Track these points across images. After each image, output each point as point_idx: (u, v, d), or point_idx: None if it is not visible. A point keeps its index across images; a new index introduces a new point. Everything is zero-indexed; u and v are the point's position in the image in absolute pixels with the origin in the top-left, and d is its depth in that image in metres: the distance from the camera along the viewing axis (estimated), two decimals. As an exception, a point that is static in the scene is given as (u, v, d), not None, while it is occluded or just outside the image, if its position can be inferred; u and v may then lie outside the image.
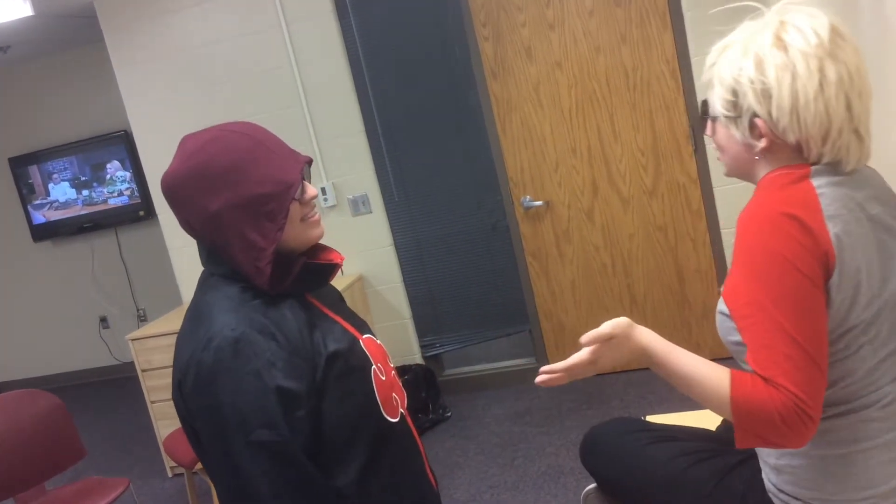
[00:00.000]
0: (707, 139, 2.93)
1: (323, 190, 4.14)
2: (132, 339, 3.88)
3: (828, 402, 1.30)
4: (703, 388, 1.29)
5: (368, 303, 4.26)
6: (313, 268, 1.48)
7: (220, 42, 4.13)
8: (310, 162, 1.49)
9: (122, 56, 4.27)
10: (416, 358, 4.30)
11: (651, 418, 2.14)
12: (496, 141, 4.00)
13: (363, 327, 1.59)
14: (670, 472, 1.70)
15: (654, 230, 3.91)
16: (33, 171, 5.88)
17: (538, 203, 4.00)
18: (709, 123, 1.46)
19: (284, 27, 4.03)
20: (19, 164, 5.89)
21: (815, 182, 1.30)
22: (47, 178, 5.89)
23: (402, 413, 1.55)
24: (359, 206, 4.16)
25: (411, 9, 3.99)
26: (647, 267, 3.96)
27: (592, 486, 2.01)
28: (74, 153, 5.78)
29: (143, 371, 3.87)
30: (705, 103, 1.46)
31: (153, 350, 3.83)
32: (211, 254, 1.44)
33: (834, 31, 1.29)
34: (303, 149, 4.11)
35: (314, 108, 4.10)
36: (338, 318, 1.53)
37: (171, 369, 1.44)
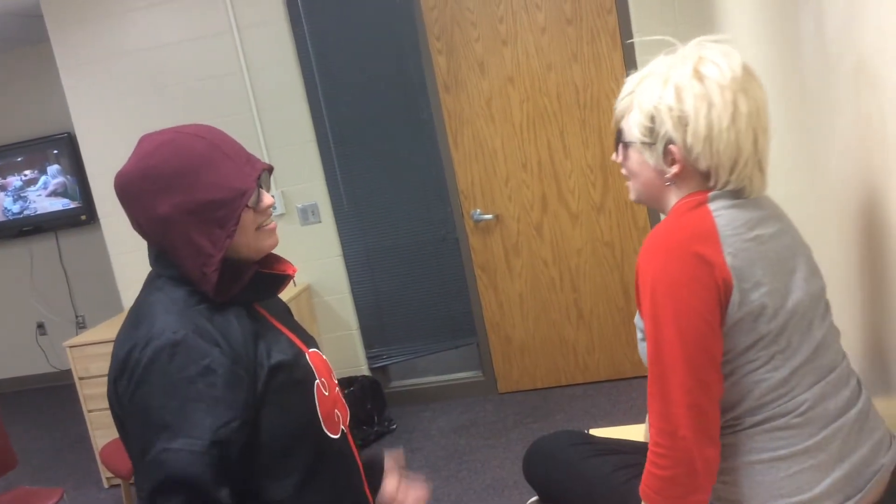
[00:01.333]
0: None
1: (272, 198, 4.09)
2: (70, 347, 3.78)
3: (745, 412, 1.38)
4: None
5: (315, 313, 4.23)
6: (264, 277, 1.46)
7: (170, 45, 4.07)
8: (270, 169, 1.47)
9: (67, 57, 4.17)
10: (363, 369, 4.28)
11: (594, 432, 2.16)
12: (447, 154, 4.01)
13: (310, 341, 1.57)
14: (611, 485, 1.71)
15: (602, 246, 3.96)
16: (-29, 171, 5.71)
17: (488, 216, 4.02)
18: (621, 149, 1.53)
19: (236, 33, 3.99)
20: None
21: (713, 206, 1.38)
22: (-14, 178, 5.72)
23: (343, 430, 1.53)
24: (308, 215, 4.13)
25: (366, 19, 3.99)
26: (594, 282, 4.01)
27: (534, 499, 2.02)
28: (16, 154, 5.63)
29: (81, 379, 3.77)
30: (620, 130, 1.51)
31: (91, 358, 3.73)
32: (160, 255, 1.42)
33: (745, 69, 1.37)
34: (252, 156, 4.06)
35: (265, 116, 4.06)
36: (285, 330, 1.51)
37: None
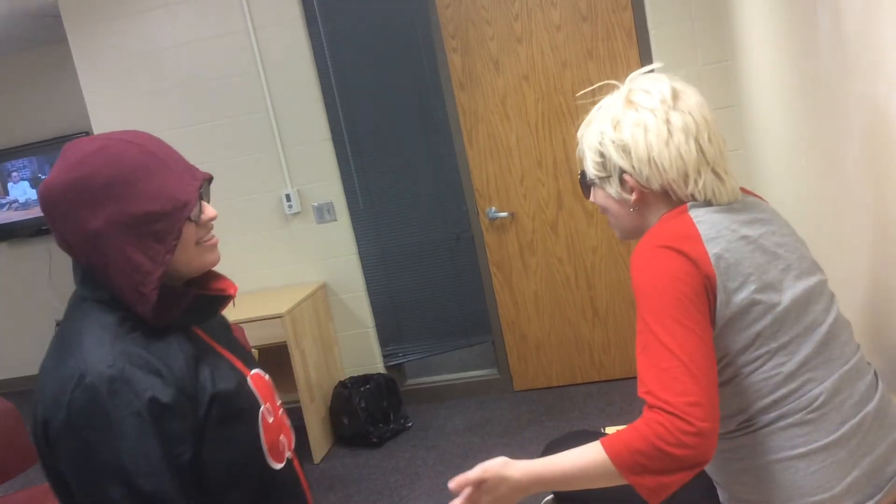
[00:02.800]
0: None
1: (287, 196, 4.11)
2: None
3: (758, 411, 1.38)
4: (590, 470, 1.33)
5: (331, 311, 4.24)
6: (203, 299, 1.36)
7: (187, 45, 4.10)
8: (209, 179, 1.37)
9: (85, 56, 4.21)
10: (379, 367, 4.29)
11: (610, 430, 2.15)
12: (462, 152, 4.01)
13: (250, 361, 1.46)
14: (627, 485, 1.71)
15: (617, 243, 3.95)
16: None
17: (503, 214, 4.02)
18: (591, 191, 1.60)
19: (252, 33, 4.01)
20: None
21: (693, 213, 1.43)
22: (6, 177, 5.78)
23: (288, 457, 1.44)
24: (323, 213, 4.14)
25: (381, 18, 3.99)
26: (610, 280, 4.00)
27: (550, 496, 2.02)
28: (35, 153, 5.69)
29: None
30: (583, 173, 1.60)
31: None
32: (87, 275, 1.29)
33: (674, 90, 1.46)
34: (269, 155, 4.09)
35: (280, 115, 4.08)
36: (224, 352, 1.40)
37: None
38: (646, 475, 1.26)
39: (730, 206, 1.45)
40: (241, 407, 1.35)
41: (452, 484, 1.39)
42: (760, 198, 1.57)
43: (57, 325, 5.93)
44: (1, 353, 6.15)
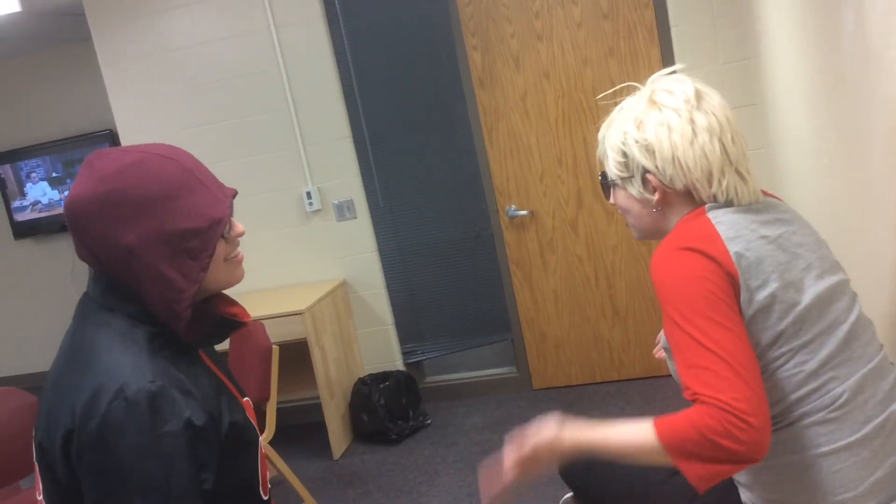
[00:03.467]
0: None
1: (308, 194, 4.13)
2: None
3: (783, 410, 1.37)
4: (640, 449, 1.33)
5: (351, 308, 4.26)
6: (225, 322, 1.34)
7: (209, 43, 4.12)
8: (234, 195, 1.37)
9: (109, 54, 4.25)
10: (398, 364, 4.30)
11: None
12: (482, 149, 4.01)
13: (240, 388, 1.44)
14: (648, 484, 1.71)
15: (638, 243, 3.94)
16: (15, 168, 5.84)
17: (523, 212, 4.02)
18: (611, 192, 1.61)
19: (273, 31, 4.03)
20: (2, 160, 5.86)
21: (712, 215, 1.43)
22: (28, 175, 5.85)
23: (270, 489, 1.42)
24: (343, 211, 4.16)
25: (401, 16, 4.00)
26: (630, 279, 3.99)
27: (569, 495, 2.02)
28: (59, 151, 5.75)
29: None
30: (604, 174, 1.60)
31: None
32: (113, 286, 1.25)
33: (697, 91, 1.47)
34: (290, 153, 4.11)
35: (301, 113, 4.10)
36: (224, 379, 1.38)
37: None
38: (695, 461, 1.26)
39: (748, 207, 1.45)
40: (248, 439, 1.33)
41: (509, 463, 1.43)
42: (780, 199, 1.57)
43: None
44: (24, 348, 6.24)
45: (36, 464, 1.24)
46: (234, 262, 1.35)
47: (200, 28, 4.12)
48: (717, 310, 1.31)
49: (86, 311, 1.28)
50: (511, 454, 1.44)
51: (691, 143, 1.43)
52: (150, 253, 1.21)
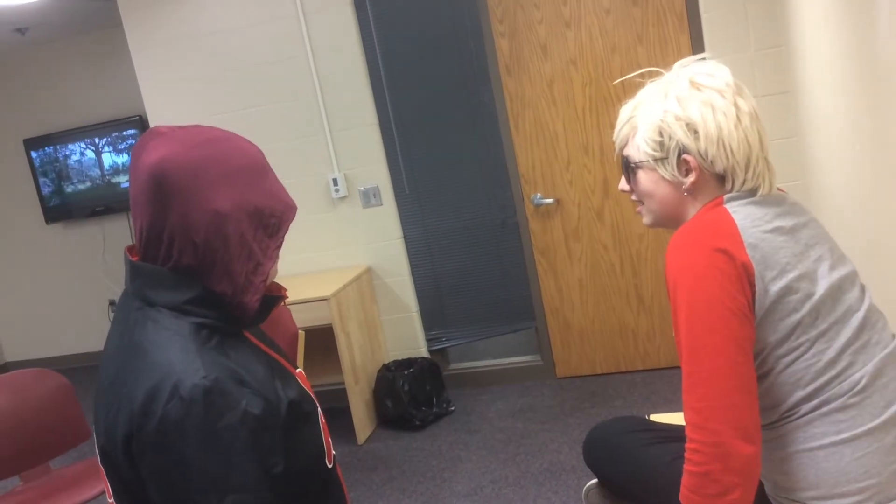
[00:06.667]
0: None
1: (335, 181, 4.15)
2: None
3: (800, 400, 1.38)
4: None
5: (376, 294, 4.28)
6: (268, 300, 1.33)
7: (238, 29, 4.14)
8: None
9: (139, 40, 4.28)
10: (422, 351, 4.31)
11: (654, 417, 2.14)
12: (508, 137, 4.00)
13: (290, 360, 1.42)
14: (672, 473, 1.70)
15: (664, 231, 3.91)
16: (48, 152, 5.92)
17: (548, 200, 4.00)
18: (630, 176, 1.56)
19: (302, 17, 4.03)
20: (34, 146, 5.93)
21: (729, 206, 1.44)
22: (61, 159, 5.92)
23: (334, 456, 1.42)
24: (370, 197, 4.17)
25: (429, 3, 3.99)
26: (656, 268, 3.96)
27: (594, 481, 2.02)
28: (89, 136, 5.81)
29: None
30: (626, 157, 1.55)
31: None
32: (162, 277, 1.23)
33: (735, 80, 1.47)
34: (317, 139, 4.13)
35: (328, 99, 4.11)
36: (273, 354, 1.36)
37: None
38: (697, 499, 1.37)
39: (764, 199, 1.45)
40: (308, 410, 1.32)
41: None
42: (785, 192, 1.57)
43: (111, 305, 6.09)
44: (56, 331, 6.34)
45: (102, 468, 1.26)
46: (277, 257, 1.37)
47: (229, 14, 4.14)
48: (727, 324, 1.35)
49: (127, 309, 1.28)
50: None
51: (736, 127, 1.42)
52: (240, 220, 1.22)
